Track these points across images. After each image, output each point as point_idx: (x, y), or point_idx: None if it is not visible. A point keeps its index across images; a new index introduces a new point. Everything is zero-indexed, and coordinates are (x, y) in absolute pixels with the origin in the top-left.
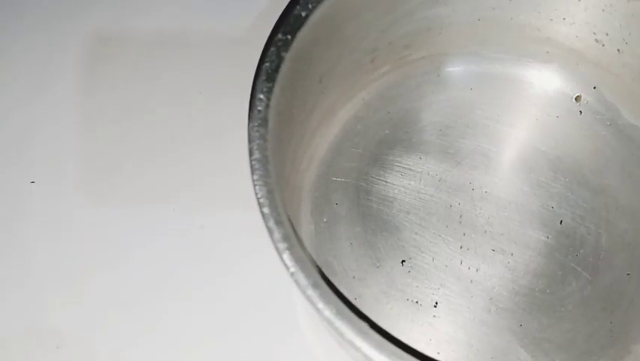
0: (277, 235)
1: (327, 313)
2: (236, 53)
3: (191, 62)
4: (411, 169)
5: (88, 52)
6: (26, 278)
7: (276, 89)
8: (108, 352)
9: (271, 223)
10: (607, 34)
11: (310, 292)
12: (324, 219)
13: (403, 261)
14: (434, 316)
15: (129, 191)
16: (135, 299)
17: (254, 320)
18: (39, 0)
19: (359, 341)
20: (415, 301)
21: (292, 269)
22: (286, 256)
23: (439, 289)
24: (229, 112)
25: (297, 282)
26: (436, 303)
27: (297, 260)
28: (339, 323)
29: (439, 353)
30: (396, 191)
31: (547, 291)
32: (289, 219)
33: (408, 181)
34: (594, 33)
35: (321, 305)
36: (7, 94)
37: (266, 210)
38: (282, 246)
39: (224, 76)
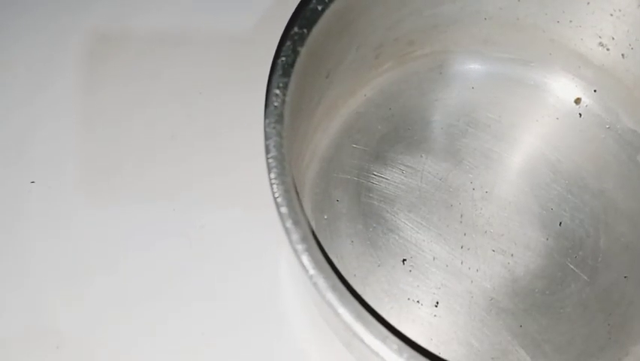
0: (295, 235)
1: (347, 317)
2: (237, 52)
3: (191, 61)
4: (412, 167)
5: (88, 50)
6: (26, 278)
7: (291, 85)
8: (108, 352)
9: (289, 224)
10: (613, 38)
11: (330, 295)
12: (325, 217)
13: (404, 260)
14: (435, 315)
15: (129, 190)
16: (135, 299)
17: (254, 320)
18: None
19: (378, 346)
20: (415, 300)
21: (311, 272)
22: (305, 257)
23: (439, 288)
24: (229, 111)
25: (315, 285)
26: (437, 303)
27: (316, 262)
28: (359, 328)
29: (439, 353)
30: (397, 189)
31: (547, 292)
32: (307, 220)
33: (409, 179)
34: (599, 37)
35: (341, 309)
36: (7, 93)
37: (284, 210)
38: (300, 247)
39: (224, 75)
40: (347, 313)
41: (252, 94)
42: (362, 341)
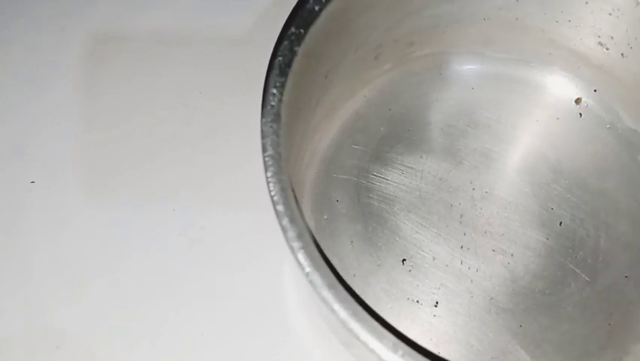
0: (291, 233)
1: (343, 314)
2: (237, 53)
3: (191, 62)
4: (412, 167)
5: (88, 51)
6: (26, 278)
7: (288, 84)
8: (108, 352)
9: (285, 221)
10: (612, 37)
11: (326, 292)
12: (325, 217)
13: (404, 260)
14: (434, 315)
15: (129, 191)
16: (135, 299)
17: (254, 321)
18: None
19: (374, 343)
20: (415, 300)
21: (307, 269)
22: (301, 255)
23: (439, 288)
24: (229, 111)
25: (312, 282)
26: (437, 303)
27: (312, 260)
28: (355, 325)
29: (439, 352)
30: (397, 189)
31: (547, 292)
32: (303, 218)
33: (409, 180)
34: (599, 36)
35: (336, 306)
36: (7, 94)
37: (280, 207)
38: (296, 245)
39: (224, 76)
40: (342, 310)
41: (252, 94)
42: (357, 338)
